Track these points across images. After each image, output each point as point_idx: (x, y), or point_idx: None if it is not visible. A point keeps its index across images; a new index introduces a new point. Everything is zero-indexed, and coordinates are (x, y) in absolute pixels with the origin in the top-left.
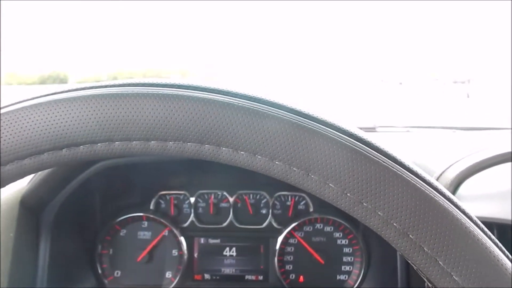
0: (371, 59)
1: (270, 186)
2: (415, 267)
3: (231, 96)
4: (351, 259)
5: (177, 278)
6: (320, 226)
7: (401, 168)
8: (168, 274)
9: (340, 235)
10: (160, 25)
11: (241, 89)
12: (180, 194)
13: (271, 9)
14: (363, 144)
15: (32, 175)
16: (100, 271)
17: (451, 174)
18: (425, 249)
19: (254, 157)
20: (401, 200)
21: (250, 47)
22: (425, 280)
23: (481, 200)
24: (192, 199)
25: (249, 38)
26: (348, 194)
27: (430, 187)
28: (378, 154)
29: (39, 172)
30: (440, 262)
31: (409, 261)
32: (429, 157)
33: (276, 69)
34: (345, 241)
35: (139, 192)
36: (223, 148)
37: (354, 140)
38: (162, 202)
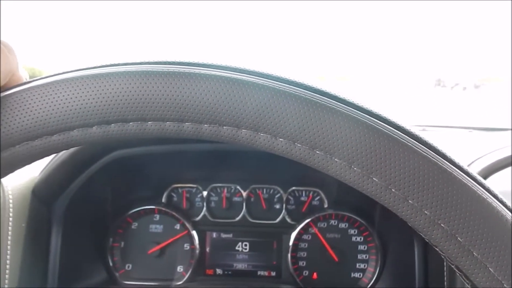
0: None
1: (284, 180)
2: (456, 271)
3: (272, 80)
4: (366, 256)
5: (189, 273)
6: (334, 222)
7: (450, 165)
8: (180, 269)
9: (355, 232)
10: (155, 24)
11: (281, 72)
12: (193, 187)
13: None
14: (410, 137)
15: (44, 165)
16: (111, 264)
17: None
18: (474, 253)
19: (294, 145)
20: (450, 198)
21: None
22: (470, 286)
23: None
24: (205, 193)
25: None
26: (393, 190)
27: (481, 186)
28: (427, 148)
29: (51, 162)
30: (490, 269)
31: (453, 265)
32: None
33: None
34: (360, 238)
35: (152, 185)
36: (261, 134)
37: (401, 132)
38: (174, 195)
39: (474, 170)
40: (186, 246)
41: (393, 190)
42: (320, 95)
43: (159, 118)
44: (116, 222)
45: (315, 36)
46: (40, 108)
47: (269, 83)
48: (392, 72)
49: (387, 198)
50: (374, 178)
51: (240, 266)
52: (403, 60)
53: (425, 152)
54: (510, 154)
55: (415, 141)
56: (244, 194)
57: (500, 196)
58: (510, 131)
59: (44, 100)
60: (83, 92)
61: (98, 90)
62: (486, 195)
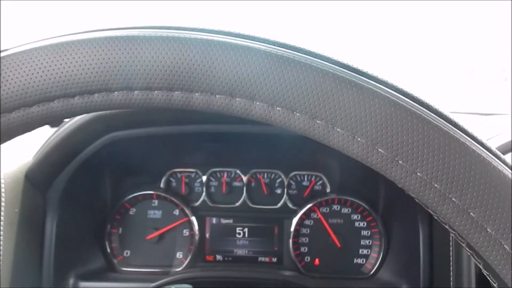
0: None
1: (286, 165)
2: (467, 249)
3: (268, 44)
4: (369, 242)
5: (188, 259)
6: (337, 207)
7: (462, 134)
8: (179, 255)
9: (358, 217)
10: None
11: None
12: (192, 172)
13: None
14: (419, 104)
15: (37, 149)
16: (109, 251)
17: None
18: (488, 229)
19: (293, 115)
20: (463, 171)
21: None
22: (482, 266)
23: None
24: (204, 178)
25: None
26: (400, 162)
27: (497, 158)
28: (437, 117)
29: (44, 146)
30: (506, 246)
31: (464, 243)
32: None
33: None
34: (363, 224)
35: (149, 169)
36: (257, 103)
37: (409, 99)
38: (173, 180)
39: None
40: (186, 232)
41: (400, 162)
42: (321, 60)
43: (146, 87)
44: (114, 208)
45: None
46: (17, 77)
47: (265, 47)
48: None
49: (393, 171)
50: (379, 150)
51: (240, 252)
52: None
53: (435, 121)
54: (508, 140)
55: (424, 109)
56: (245, 178)
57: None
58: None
59: (21, 69)
60: (63, 60)
61: (79, 57)
62: (502, 167)
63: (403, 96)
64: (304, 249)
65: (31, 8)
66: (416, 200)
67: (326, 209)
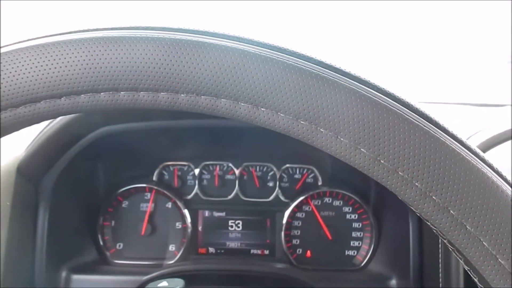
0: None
1: (278, 158)
2: (449, 245)
3: (252, 45)
4: (360, 234)
5: (181, 252)
6: (329, 200)
7: (443, 133)
8: (172, 247)
9: (349, 209)
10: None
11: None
12: (184, 165)
13: None
14: (400, 104)
15: (29, 142)
16: (101, 243)
17: None
18: (467, 227)
19: (277, 115)
20: (443, 170)
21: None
22: (462, 262)
23: None
24: (197, 171)
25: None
26: (382, 161)
27: (476, 156)
28: (418, 116)
29: (36, 139)
30: (485, 243)
31: (446, 240)
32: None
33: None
34: (355, 216)
35: (142, 162)
36: (241, 104)
37: (391, 99)
38: (166, 173)
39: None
40: (178, 225)
41: (382, 161)
42: (304, 60)
43: (132, 88)
44: (107, 201)
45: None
46: (3, 78)
47: (250, 48)
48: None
49: (376, 171)
50: (362, 149)
51: (233, 244)
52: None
53: (416, 120)
54: (507, 129)
55: (405, 109)
56: (237, 172)
57: (496, 166)
58: (510, 106)
59: (7, 69)
60: (49, 60)
61: (66, 58)
62: (480, 165)
63: (386, 96)
64: (296, 242)
65: (29, 8)
66: (398, 197)
67: (318, 202)
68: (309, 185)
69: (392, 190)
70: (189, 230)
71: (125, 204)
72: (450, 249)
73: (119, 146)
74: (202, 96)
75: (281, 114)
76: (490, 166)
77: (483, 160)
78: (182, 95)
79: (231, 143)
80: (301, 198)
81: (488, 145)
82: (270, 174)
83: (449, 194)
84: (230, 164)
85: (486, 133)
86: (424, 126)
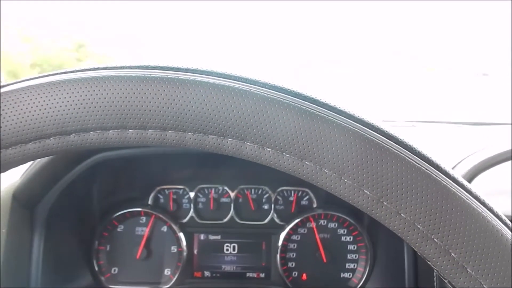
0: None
1: (273, 180)
2: (448, 284)
3: (259, 86)
4: (355, 256)
5: (176, 275)
6: (324, 222)
7: (444, 177)
8: (167, 271)
9: (344, 231)
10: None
11: (269, 78)
12: (180, 188)
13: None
14: (403, 147)
15: (25, 168)
16: (96, 268)
17: (462, 171)
18: (468, 270)
19: (282, 155)
20: (444, 213)
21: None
22: None
23: (493, 196)
24: (192, 194)
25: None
26: (385, 203)
27: (476, 199)
28: (420, 159)
29: (32, 166)
30: (485, 286)
31: (446, 280)
32: (435, 153)
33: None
34: (350, 238)
35: (137, 186)
36: (248, 144)
37: (394, 142)
38: (161, 197)
39: (465, 167)
40: (173, 249)
41: (385, 203)
42: (310, 102)
43: (140, 126)
44: (102, 225)
45: (301, 10)
46: (14, 115)
47: (256, 90)
48: (386, 58)
49: (379, 212)
50: (365, 191)
51: (228, 268)
52: (397, 46)
53: (418, 164)
54: (505, 149)
55: (408, 152)
56: (232, 194)
57: (496, 210)
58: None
59: (18, 106)
60: (59, 98)
61: (76, 96)
62: (481, 209)
63: (389, 139)
64: (292, 264)
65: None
66: (401, 238)
67: (313, 224)
68: (304, 207)
69: (394, 231)
70: (185, 253)
71: (120, 228)
72: None
73: (114, 171)
74: (209, 136)
75: (286, 155)
76: (490, 209)
77: (483, 203)
78: (189, 133)
79: (226, 166)
80: (297, 220)
81: (486, 166)
82: (265, 196)
83: (450, 237)
84: (225, 187)
85: (484, 153)
86: (426, 169)
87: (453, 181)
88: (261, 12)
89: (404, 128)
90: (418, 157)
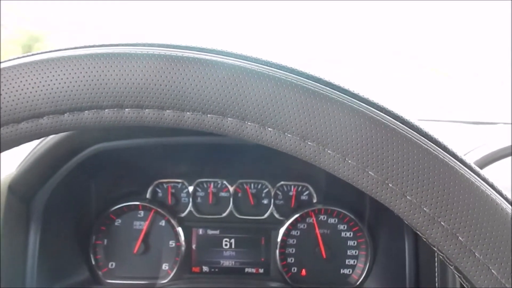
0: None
1: (272, 175)
2: (455, 272)
3: (259, 64)
4: (355, 252)
5: (174, 270)
6: (324, 217)
7: (452, 158)
8: (165, 266)
9: (344, 227)
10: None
11: (268, 56)
12: (178, 182)
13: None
14: (409, 128)
15: (21, 160)
16: (93, 262)
17: None
18: (476, 254)
19: (284, 135)
20: (452, 194)
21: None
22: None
23: None
24: (191, 188)
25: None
26: (390, 185)
27: (484, 181)
28: (427, 140)
29: (29, 157)
30: (493, 271)
31: (452, 266)
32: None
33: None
34: (350, 234)
35: (135, 180)
36: (248, 123)
37: (400, 122)
38: (159, 190)
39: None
40: (172, 243)
41: (390, 185)
42: (313, 81)
43: (137, 105)
44: (99, 219)
45: (301, 11)
46: (6, 93)
47: (257, 68)
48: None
49: (383, 194)
50: (370, 172)
51: (227, 263)
52: (400, 46)
53: (425, 144)
54: (504, 146)
55: (415, 132)
56: (231, 189)
57: (504, 193)
58: (502, 124)
59: (10, 83)
60: (53, 76)
61: (70, 74)
62: (490, 191)
63: (395, 119)
64: (291, 260)
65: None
66: (405, 222)
67: (313, 220)
68: (304, 202)
69: (399, 214)
70: (183, 248)
71: (117, 222)
72: (457, 276)
73: (112, 163)
74: (208, 115)
75: (288, 135)
76: (499, 192)
77: (492, 186)
78: (188, 113)
79: (225, 160)
80: (296, 215)
81: (485, 162)
82: (265, 191)
83: (458, 220)
84: (225, 181)
85: (483, 150)
86: (434, 150)
87: (461, 163)
88: (261, 12)
89: None
90: (425, 138)
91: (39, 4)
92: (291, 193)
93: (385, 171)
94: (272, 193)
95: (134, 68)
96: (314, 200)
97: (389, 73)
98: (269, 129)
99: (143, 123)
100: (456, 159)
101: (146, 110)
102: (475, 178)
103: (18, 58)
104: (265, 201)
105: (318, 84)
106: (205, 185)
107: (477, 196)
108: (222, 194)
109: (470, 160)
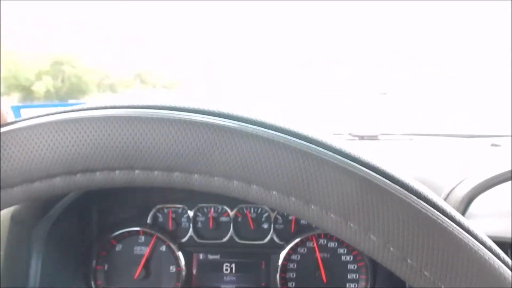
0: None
1: None
2: None
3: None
4: (356, 276)
5: None
6: (323, 241)
7: (450, 222)
8: None
9: (344, 251)
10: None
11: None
12: (179, 207)
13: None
14: (408, 191)
15: None
16: None
17: (461, 192)
18: None
19: (288, 199)
20: (451, 259)
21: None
22: None
23: (493, 218)
24: (191, 213)
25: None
26: (391, 249)
27: (482, 245)
28: (425, 203)
29: None
30: None
31: None
32: (434, 169)
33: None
34: (350, 257)
35: (136, 205)
36: (254, 186)
37: (399, 186)
38: (160, 215)
39: (465, 189)
40: (172, 269)
41: (391, 249)
42: (315, 145)
43: (147, 167)
44: (100, 244)
45: (301, 12)
46: (21, 153)
47: (260, 132)
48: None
49: (385, 257)
50: (371, 236)
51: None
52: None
53: (425, 209)
54: (505, 170)
55: (414, 196)
56: (231, 213)
57: (503, 255)
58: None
59: (25, 145)
60: (66, 138)
61: (83, 136)
62: (488, 255)
63: (394, 183)
64: (292, 284)
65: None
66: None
67: (313, 244)
68: (303, 226)
69: (401, 277)
70: (184, 273)
71: (118, 247)
72: None
73: (113, 189)
74: (216, 177)
75: (293, 198)
76: (497, 255)
77: (490, 249)
78: (196, 175)
79: None
80: (297, 240)
81: (486, 186)
82: (265, 216)
83: (457, 284)
84: (225, 206)
85: (484, 174)
86: (432, 214)
87: (458, 226)
88: (261, 12)
89: (402, 141)
90: (424, 202)
91: (39, 4)
92: (290, 218)
93: (386, 235)
94: (272, 218)
95: (145, 131)
96: (314, 225)
97: (389, 73)
98: (274, 192)
99: (152, 184)
100: (454, 223)
101: (156, 171)
102: (473, 242)
103: (31, 119)
104: (265, 226)
105: (320, 148)
106: (205, 210)
107: (476, 261)
108: (223, 219)
109: (468, 185)
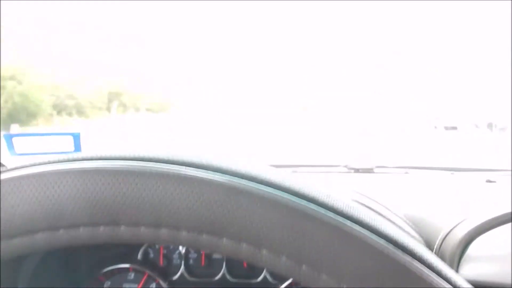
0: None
1: None
2: None
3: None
4: None
5: None
6: None
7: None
8: None
9: None
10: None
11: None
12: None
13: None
14: (392, 244)
15: None
16: None
17: (459, 234)
18: None
19: (279, 258)
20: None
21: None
22: None
23: (492, 262)
24: (183, 249)
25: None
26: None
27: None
28: (411, 258)
29: None
30: None
31: None
32: (431, 207)
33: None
34: None
35: None
36: (244, 245)
37: (393, 246)
38: (151, 251)
39: (463, 231)
40: None
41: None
42: (307, 201)
43: (133, 223)
44: (88, 281)
45: (301, 12)
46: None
47: (259, 191)
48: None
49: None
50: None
51: None
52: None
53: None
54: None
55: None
56: None
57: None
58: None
59: (5, 198)
60: (49, 191)
61: (66, 189)
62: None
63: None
64: None
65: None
66: None
67: None
68: None
69: None
70: None
71: (107, 284)
72: None
73: None
74: (204, 235)
75: (284, 257)
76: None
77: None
78: (183, 232)
79: None
80: (290, 279)
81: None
82: None
83: None
84: None
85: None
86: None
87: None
88: (261, 12)
89: (398, 175)
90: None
91: (39, 4)
92: None
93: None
94: None
95: (131, 185)
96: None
97: (389, 73)
98: (264, 251)
99: (138, 240)
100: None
101: (142, 227)
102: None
103: (11, 170)
104: None
105: (312, 205)
106: None
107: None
108: (215, 255)
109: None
